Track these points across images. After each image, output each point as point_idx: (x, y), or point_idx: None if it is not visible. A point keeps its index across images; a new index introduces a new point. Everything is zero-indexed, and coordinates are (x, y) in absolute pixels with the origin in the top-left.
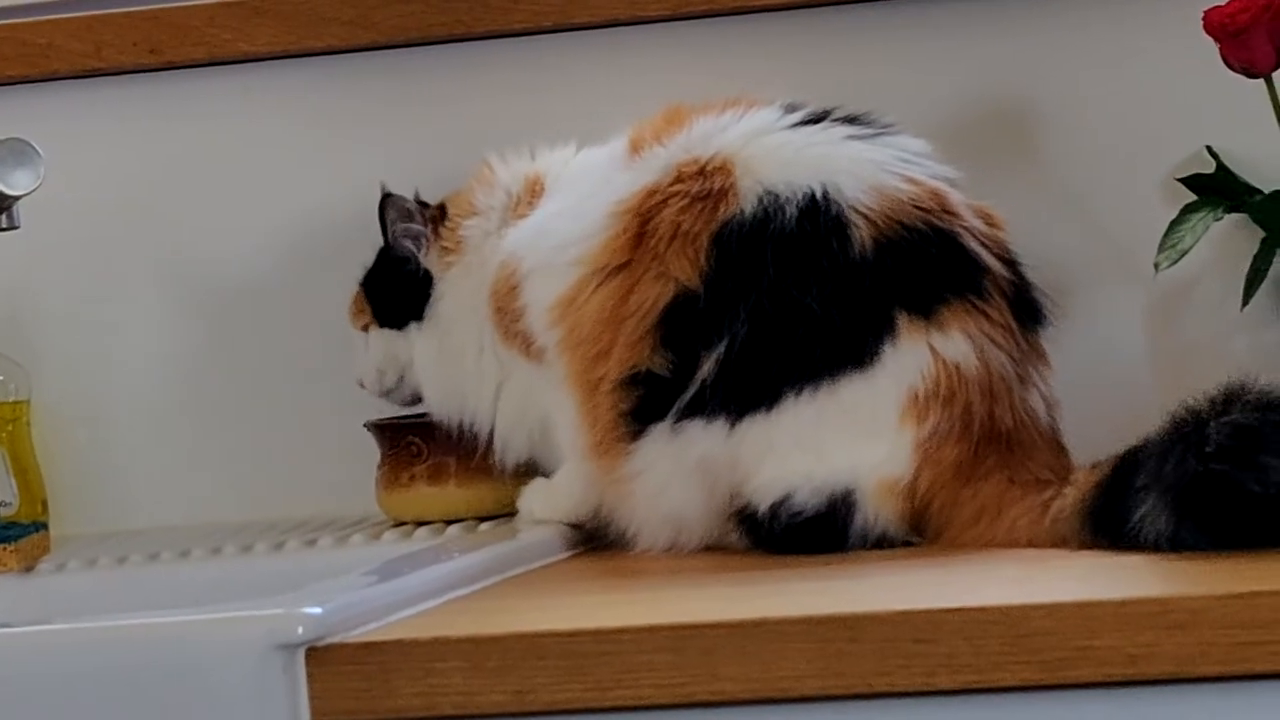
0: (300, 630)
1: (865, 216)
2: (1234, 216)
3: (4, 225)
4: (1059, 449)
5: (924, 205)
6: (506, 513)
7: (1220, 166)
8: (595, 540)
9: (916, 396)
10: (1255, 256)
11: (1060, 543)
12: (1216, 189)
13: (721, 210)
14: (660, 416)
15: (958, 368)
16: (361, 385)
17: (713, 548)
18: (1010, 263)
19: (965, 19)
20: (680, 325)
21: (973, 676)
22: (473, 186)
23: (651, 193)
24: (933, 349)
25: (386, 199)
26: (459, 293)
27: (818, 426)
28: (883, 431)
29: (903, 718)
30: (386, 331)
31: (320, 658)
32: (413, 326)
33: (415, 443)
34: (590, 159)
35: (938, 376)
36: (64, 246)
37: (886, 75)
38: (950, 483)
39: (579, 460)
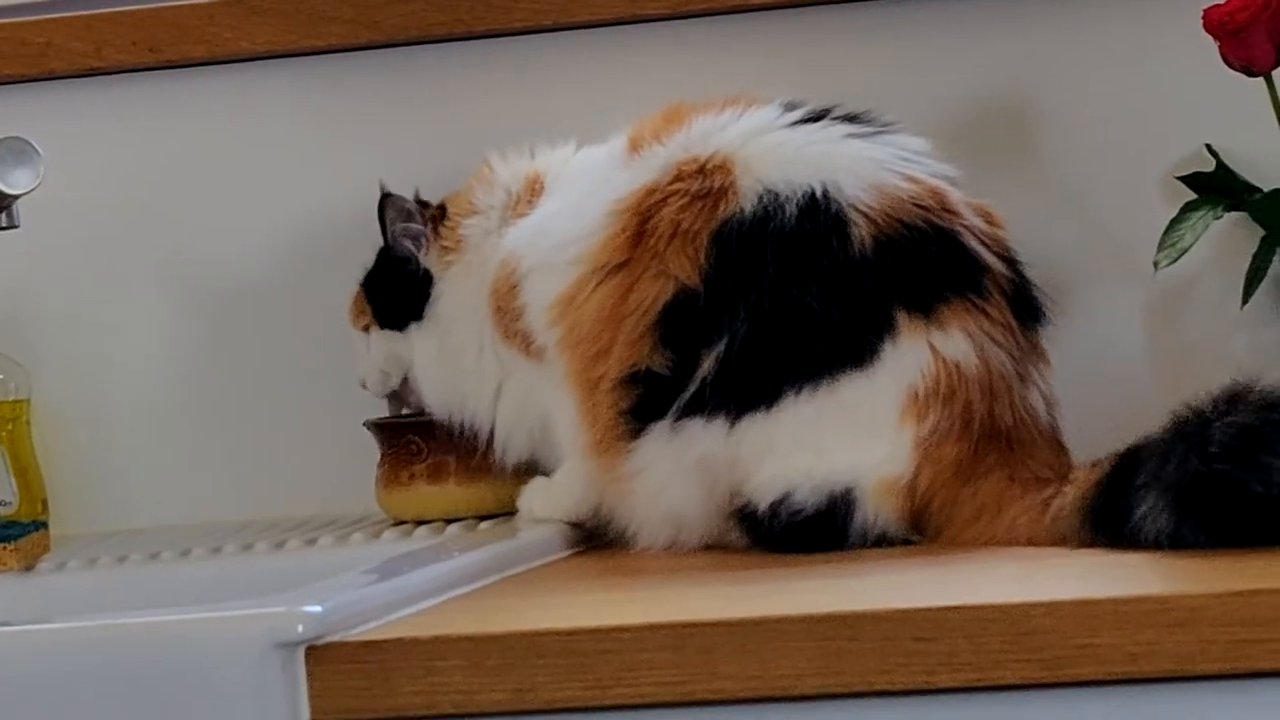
0: (300, 629)
1: (865, 215)
2: (1233, 215)
3: (4, 224)
4: (1059, 447)
5: (924, 204)
6: (506, 511)
7: (1220, 165)
8: (595, 539)
9: (916, 395)
10: (1255, 255)
11: (1060, 541)
12: (1216, 187)
13: (721, 209)
14: (660, 415)
15: (958, 366)
16: (364, 386)
17: (713, 546)
18: (1010, 261)
19: (965, 18)
20: (680, 324)
21: (973, 675)
22: (472, 185)
23: (651, 191)
24: (933, 347)
25: (386, 198)
26: (459, 292)
27: (818, 425)
28: (883, 430)
29: (903, 716)
30: (387, 332)
31: (320, 656)
32: (413, 326)
33: (415, 441)
34: (590, 158)
35: (938, 375)
36: (64, 246)
37: (886, 74)
38: (950, 481)
39: (579, 459)
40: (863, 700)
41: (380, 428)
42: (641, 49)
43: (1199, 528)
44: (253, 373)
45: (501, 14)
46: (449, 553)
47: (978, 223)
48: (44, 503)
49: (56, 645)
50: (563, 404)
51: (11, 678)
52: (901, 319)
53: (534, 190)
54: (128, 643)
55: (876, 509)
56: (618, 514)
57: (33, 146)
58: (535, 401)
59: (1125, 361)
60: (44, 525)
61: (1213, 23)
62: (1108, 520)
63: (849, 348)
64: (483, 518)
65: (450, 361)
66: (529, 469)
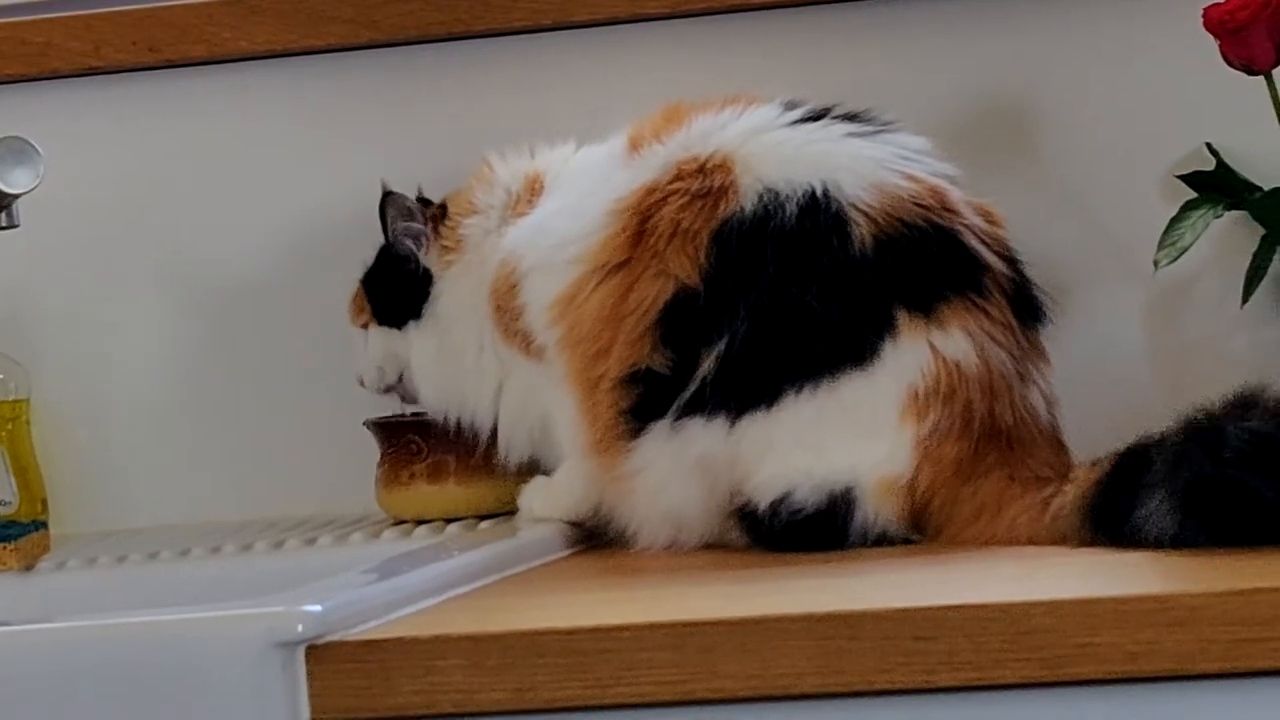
0: (300, 628)
1: (865, 214)
2: (1234, 214)
3: (3, 224)
4: (1059, 446)
5: (924, 203)
6: (506, 511)
7: (1220, 164)
8: (595, 538)
9: (916, 394)
10: (1255, 254)
11: (1060, 540)
12: (1216, 186)
13: (721, 208)
14: (660, 414)
15: (958, 365)
16: (361, 383)
17: (713, 545)
18: (1010, 260)
19: (965, 17)
20: (680, 323)
21: (973, 674)
22: (473, 185)
23: (651, 190)
24: (933, 346)
25: (387, 197)
26: (459, 291)
27: (818, 424)
28: (883, 429)
29: (903, 715)
30: (386, 329)
31: (320, 655)
32: (411, 325)
33: (415, 441)
34: (590, 157)
35: (938, 374)
36: (63, 246)
37: (886, 72)
38: (950, 480)
39: (579, 458)
40: (863, 699)
41: (380, 427)
42: (640, 48)
43: (1204, 530)
44: (252, 372)
45: (500, 13)
46: (449, 552)
47: (978, 222)
48: (44, 502)
49: (56, 645)
50: (563, 403)
51: (11, 678)
52: (902, 318)
53: (534, 190)
54: (127, 642)
55: (877, 508)
56: (618, 513)
57: (32, 146)
58: (535, 401)
59: (1125, 361)
60: (44, 525)
61: (1213, 21)
62: (1108, 519)
63: (849, 347)
64: (482, 517)
65: (450, 361)
66: (529, 468)
